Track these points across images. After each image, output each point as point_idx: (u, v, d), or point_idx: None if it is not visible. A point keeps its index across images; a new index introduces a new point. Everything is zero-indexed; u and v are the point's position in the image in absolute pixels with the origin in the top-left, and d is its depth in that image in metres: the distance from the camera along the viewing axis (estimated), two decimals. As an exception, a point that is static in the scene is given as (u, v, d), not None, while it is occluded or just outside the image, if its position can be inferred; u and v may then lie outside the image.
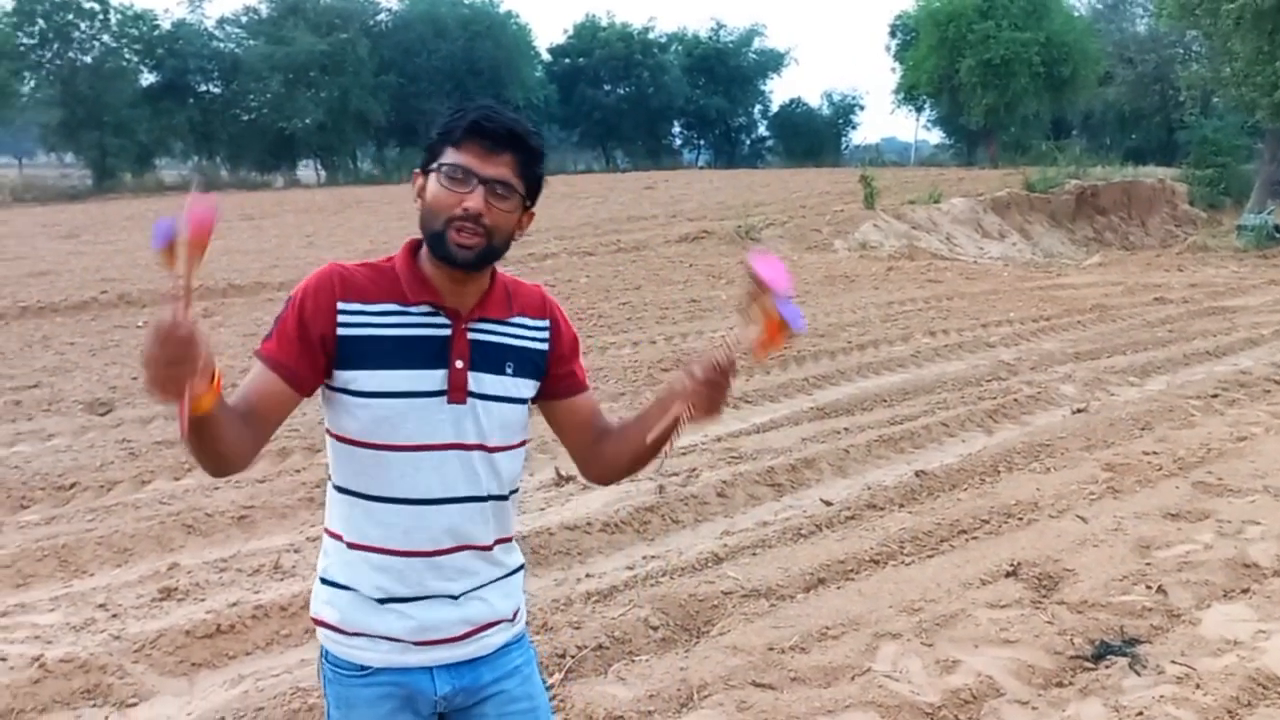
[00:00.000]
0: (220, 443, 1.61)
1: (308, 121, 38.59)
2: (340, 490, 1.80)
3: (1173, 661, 3.73)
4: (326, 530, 1.86)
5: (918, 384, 7.94)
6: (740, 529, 5.11)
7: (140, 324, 10.25)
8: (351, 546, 1.79)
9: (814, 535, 4.98)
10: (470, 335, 1.77)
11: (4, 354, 8.99)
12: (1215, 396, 7.58)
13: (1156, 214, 23.93)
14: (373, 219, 20.67)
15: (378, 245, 16.04)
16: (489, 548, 1.84)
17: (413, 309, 1.75)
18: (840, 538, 4.93)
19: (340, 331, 1.71)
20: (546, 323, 1.89)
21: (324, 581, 1.84)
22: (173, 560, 4.63)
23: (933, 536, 4.91)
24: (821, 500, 5.47)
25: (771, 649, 3.78)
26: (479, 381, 1.77)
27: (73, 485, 5.65)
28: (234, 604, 4.14)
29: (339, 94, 38.38)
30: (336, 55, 38.10)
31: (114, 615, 4.08)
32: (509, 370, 1.81)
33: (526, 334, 1.85)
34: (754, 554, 4.74)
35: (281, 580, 4.41)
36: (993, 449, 6.32)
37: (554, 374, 1.89)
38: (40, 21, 34.65)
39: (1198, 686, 3.55)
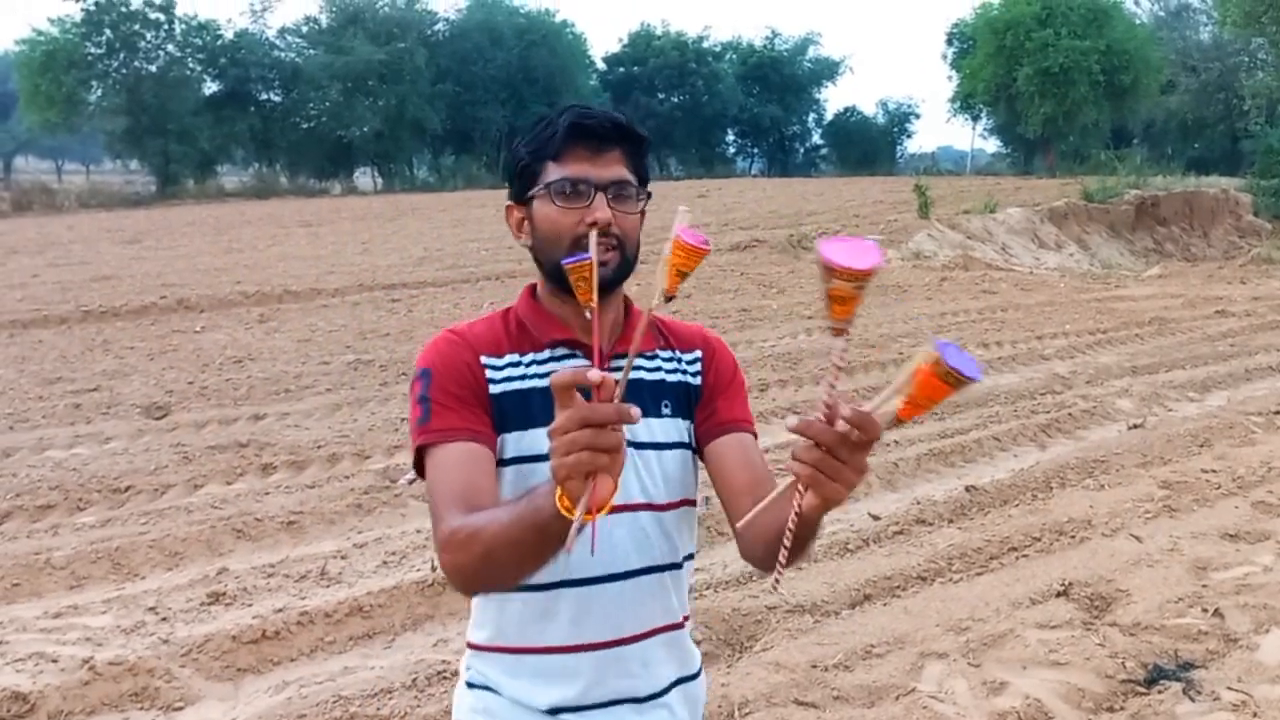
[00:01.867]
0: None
1: (365, 129, 39.16)
2: None
3: (1229, 688, 3.63)
4: (470, 645, 1.61)
5: (969, 396, 7.82)
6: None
7: (199, 329, 10.46)
8: (505, 651, 1.54)
9: (861, 550, 4.92)
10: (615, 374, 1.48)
11: (65, 357, 9.20)
12: (1277, 413, 7.38)
13: (1219, 225, 23.40)
14: (427, 226, 20.87)
15: (431, 252, 16.21)
16: (679, 625, 1.61)
17: (545, 353, 1.54)
18: (887, 553, 4.87)
19: (492, 389, 1.50)
20: (699, 353, 1.65)
21: (471, 686, 1.59)
22: (222, 565, 4.69)
23: (982, 554, 4.83)
24: (869, 514, 5.41)
25: (815, 666, 3.74)
26: (630, 428, 1.39)
27: (128, 488, 5.76)
28: (280, 610, 4.19)
29: (396, 102, 38.89)
30: (394, 64, 38.63)
31: (163, 619, 4.15)
32: (666, 410, 1.57)
33: (680, 367, 1.62)
34: (799, 568, 4.69)
35: (328, 587, 4.45)
36: (1045, 464, 6.21)
37: (704, 410, 1.60)
38: (107, 31, 35.53)
39: (1255, 715, 3.46)
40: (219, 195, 34.55)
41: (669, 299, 1.27)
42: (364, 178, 43.66)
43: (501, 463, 1.48)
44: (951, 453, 6.41)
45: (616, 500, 1.33)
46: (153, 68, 36.61)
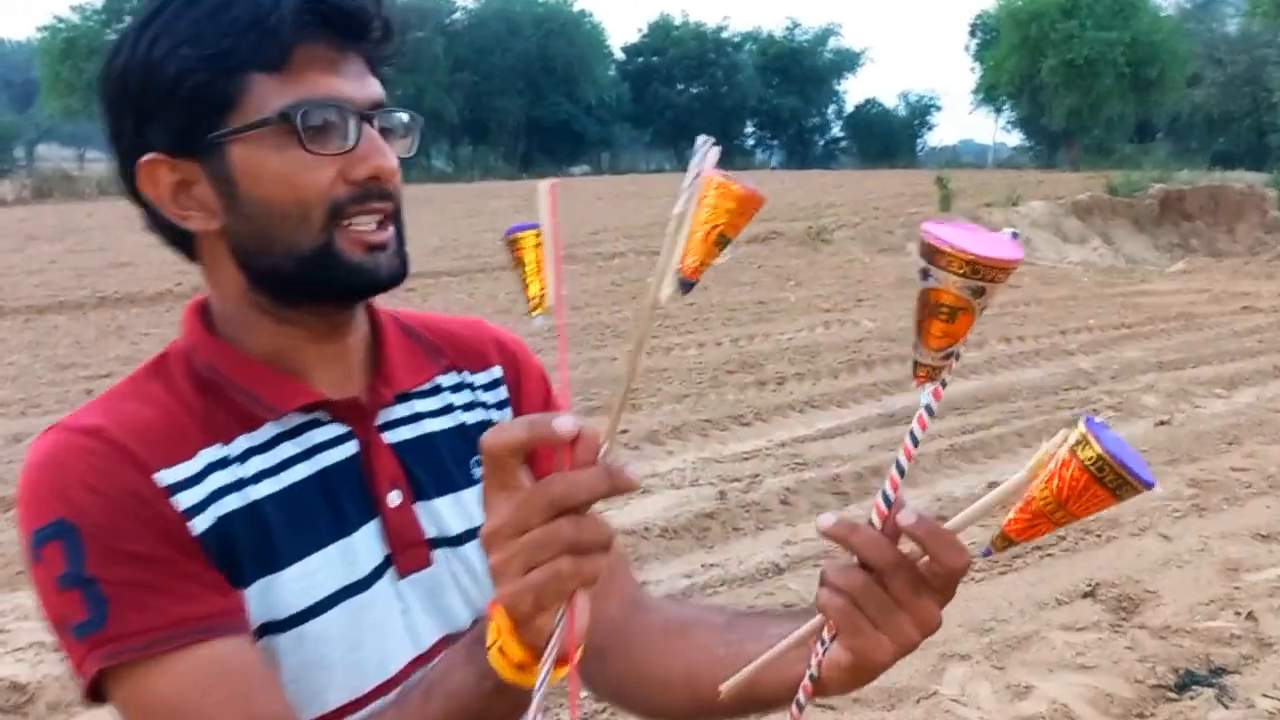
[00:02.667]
0: None
1: (383, 119, 39.20)
2: None
3: (1264, 695, 3.50)
4: None
5: (992, 392, 7.68)
6: (803, 538, 4.94)
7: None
8: None
9: (880, 547, 4.80)
10: (389, 437, 0.96)
11: (80, 343, 9.17)
12: (1309, 411, 7.21)
13: (1245, 220, 23.09)
14: (442, 216, 20.82)
15: (447, 242, 16.14)
16: None
17: (270, 430, 0.90)
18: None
19: (194, 526, 0.83)
20: (497, 370, 1.08)
21: None
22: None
23: (1006, 552, 4.69)
24: (888, 510, 5.29)
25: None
26: (435, 517, 0.96)
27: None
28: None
29: (414, 92, 38.89)
30: (412, 55, 38.62)
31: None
32: (477, 472, 0.99)
33: (476, 398, 1.05)
34: (817, 565, 4.57)
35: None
36: (1070, 461, 6.07)
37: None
38: (128, 18, 35.59)
39: (1291, 723, 3.33)
40: (238, 184, 34.65)
41: (689, 286, 0.69)
42: (382, 167, 43.73)
43: (263, 639, 0.86)
44: (973, 448, 6.27)
45: (439, 636, 0.94)
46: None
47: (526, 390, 1.09)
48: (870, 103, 53.84)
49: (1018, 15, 37.86)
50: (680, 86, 49.12)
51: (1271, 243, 21.53)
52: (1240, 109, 39.58)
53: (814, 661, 0.77)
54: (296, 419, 0.91)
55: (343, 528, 0.91)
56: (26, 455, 0.83)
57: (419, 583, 0.94)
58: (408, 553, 0.94)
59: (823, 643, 0.77)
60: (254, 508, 0.87)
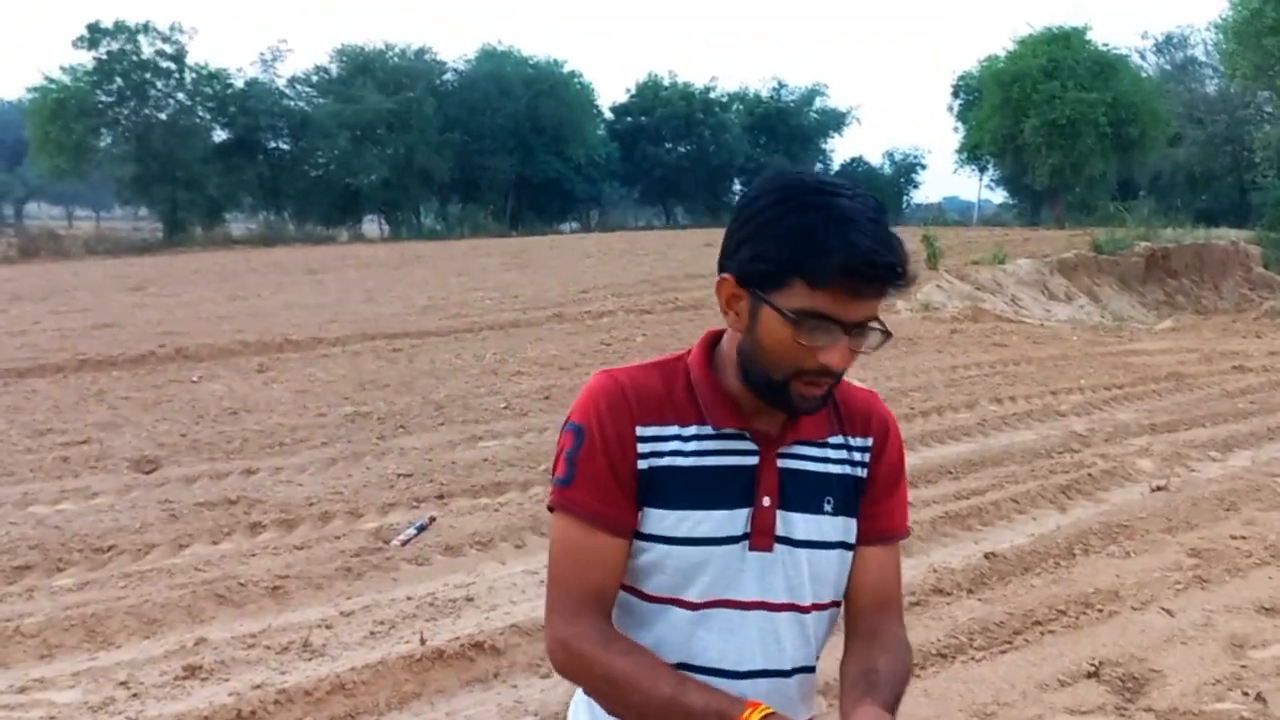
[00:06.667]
0: None
1: (373, 178, 39.29)
2: None
3: (1277, 782, 3.36)
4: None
5: (985, 455, 7.58)
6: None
7: (196, 378, 10.26)
8: None
9: (875, 623, 4.65)
10: (781, 464, 1.41)
11: (59, 407, 9.00)
12: (1306, 475, 7.12)
13: (1230, 277, 23.19)
14: (432, 274, 20.77)
15: (435, 300, 16.06)
16: None
17: (710, 430, 1.40)
18: (905, 627, 4.59)
19: (640, 465, 1.37)
20: (870, 441, 1.49)
21: None
22: (201, 634, 4.44)
23: (1005, 628, 4.56)
24: (883, 582, 5.14)
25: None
26: (788, 523, 1.40)
27: (110, 548, 5.52)
28: (257, 686, 3.93)
29: (405, 151, 39.06)
30: (403, 113, 38.85)
31: (134, 694, 3.90)
32: (828, 507, 1.43)
33: (848, 456, 1.46)
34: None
35: (309, 660, 4.20)
36: (1067, 529, 5.95)
37: (867, 508, 1.48)
38: (119, 80, 35.79)
39: (1307, 814, 3.18)
40: (226, 242, 34.59)
41: None
42: (371, 225, 43.75)
43: (639, 536, 1.38)
44: (968, 515, 6.15)
45: (759, 597, 1.40)
46: (163, 116, 36.81)
47: (887, 460, 1.50)
48: (856, 161, 54.19)
49: (1000, 76, 38.27)
50: (669, 145, 49.33)
51: (1257, 300, 21.62)
52: (1222, 167, 40.05)
53: None
54: (732, 432, 1.40)
55: (725, 502, 1.39)
56: (590, 381, 1.44)
57: (759, 559, 1.40)
58: (760, 537, 1.40)
59: None
60: (680, 469, 1.38)
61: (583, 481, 1.36)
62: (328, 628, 4.50)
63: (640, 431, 1.37)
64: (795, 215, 1.27)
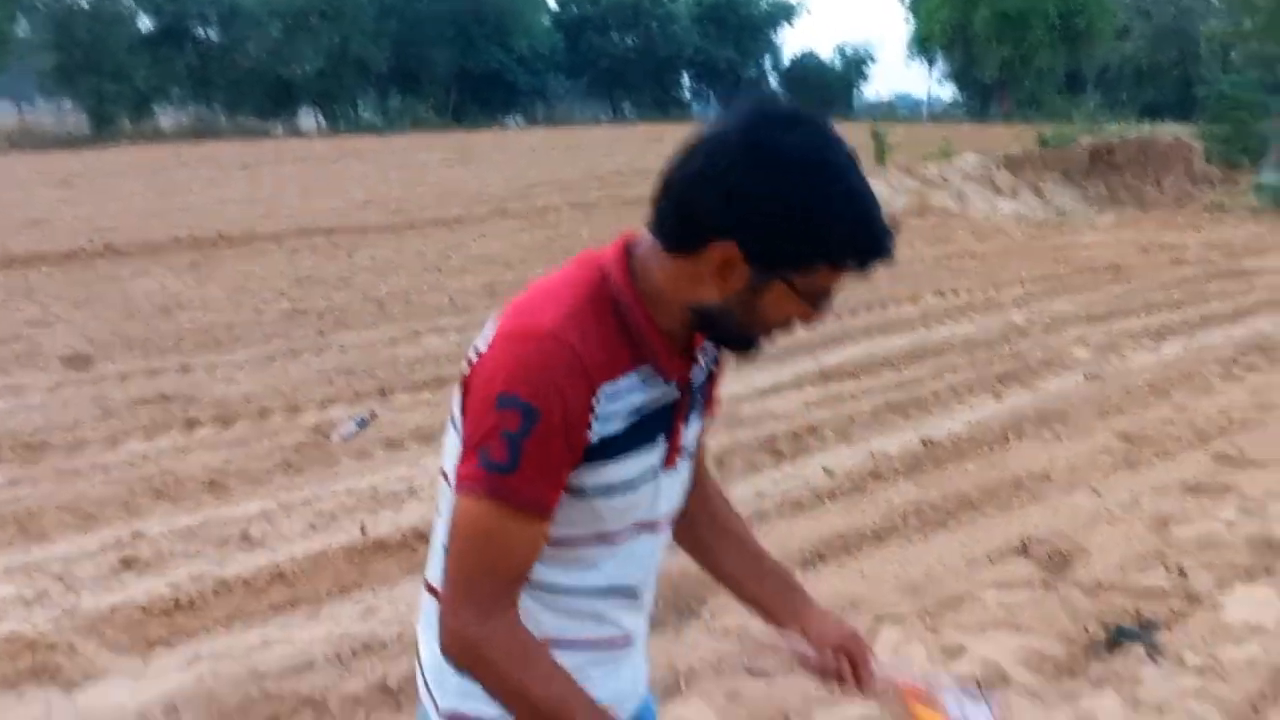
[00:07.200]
0: None
1: (307, 68, 38.08)
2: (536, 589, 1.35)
3: (1193, 650, 3.49)
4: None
5: (925, 346, 7.66)
6: (736, 500, 4.85)
7: (127, 275, 10.00)
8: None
9: (814, 508, 4.73)
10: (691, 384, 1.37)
11: (-15, 306, 8.74)
12: (1234, 362, 7.29)
13: (1172, 172, 23.40)
14: (371, 169, 20.30)
15: (375, 196, 15.73)
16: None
17: (654, 372, 1.29)
18: (842, 510, 4.68)
19: (592, 432, 1.24)
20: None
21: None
22: (137, 527, 4.39)
23: (939, 510, 4.66)
24: (823, 469, 5.22)
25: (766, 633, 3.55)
26: (685, 436, 1.39)
27: (42, 444, 5.43)
28: (196, 576, 3.91)
29: (339, 40, 37.83)
30: (336, 1, 37.46)
31: (69, 588, 3.86)
32: (699, 410, 1.43)
33: (709, 354, 1.42)
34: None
35: (249, 551, 4.18)
36: (1003, 416, 6.06)
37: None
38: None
39: (1220, 678, 3.32)
40: (155, 136, 33.52)
41: None
42: (308, 119, 42.51)
43: (577, 493, 1.27)
44: (908, 404, 6.23)
45: (665, 514, 1.41)
46: (84, 3, 35.19)
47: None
48: (806, 55, 53.63)
49: (951, -34, 37.88)
50: (615, 35, 48.35)
51: (1197, 194, 21.90)
52: (1168, 60, 40.12)
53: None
54: (646, 368, 1.29)
55: (657, 432, 1.32)
56: (534, 345, 1.20)
57: (668, 477, 1.38)
58: (672, 454, 1.36)
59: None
60: (627, 419, 1.26)
61: (529, 468, 1.19)
62: (267, 520, 4.47)
63: (600, 392, 1.22)
64: (819, 199, 1.21)
